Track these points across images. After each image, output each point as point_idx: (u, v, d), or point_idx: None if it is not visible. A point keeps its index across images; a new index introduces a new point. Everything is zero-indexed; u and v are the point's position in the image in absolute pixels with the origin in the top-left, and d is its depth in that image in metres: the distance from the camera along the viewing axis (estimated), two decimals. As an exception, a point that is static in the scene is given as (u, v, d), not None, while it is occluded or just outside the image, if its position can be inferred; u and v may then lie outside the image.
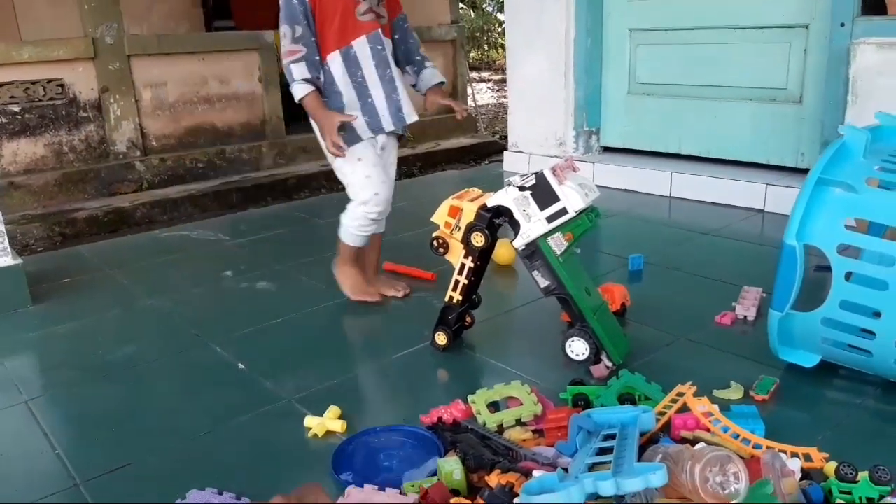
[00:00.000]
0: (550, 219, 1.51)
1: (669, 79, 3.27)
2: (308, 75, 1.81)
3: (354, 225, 1.95)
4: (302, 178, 6.13)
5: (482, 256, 1.63)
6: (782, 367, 1.56)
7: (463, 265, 1.63)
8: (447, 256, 1.67)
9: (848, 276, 1.39)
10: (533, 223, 1.51)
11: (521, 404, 1.41)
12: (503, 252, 2.19)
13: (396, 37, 1.95)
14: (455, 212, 1.61)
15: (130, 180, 5.63)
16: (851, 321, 1.40)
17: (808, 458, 1.21)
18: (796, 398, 1.47)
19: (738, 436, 1.25)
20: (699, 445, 1.17)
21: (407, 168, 6.88)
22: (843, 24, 2.59)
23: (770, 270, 1.49)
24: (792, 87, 2.88)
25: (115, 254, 2.74)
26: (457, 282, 1.65)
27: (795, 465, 1.16)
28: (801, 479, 1.14)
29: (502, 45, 10.81)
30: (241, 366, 1.71)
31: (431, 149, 7.14)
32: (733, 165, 3.10)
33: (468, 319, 1.77)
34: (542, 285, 1.56)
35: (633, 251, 2.28)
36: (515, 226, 1.53)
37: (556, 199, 1.50)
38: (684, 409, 1.33)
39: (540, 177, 1.51)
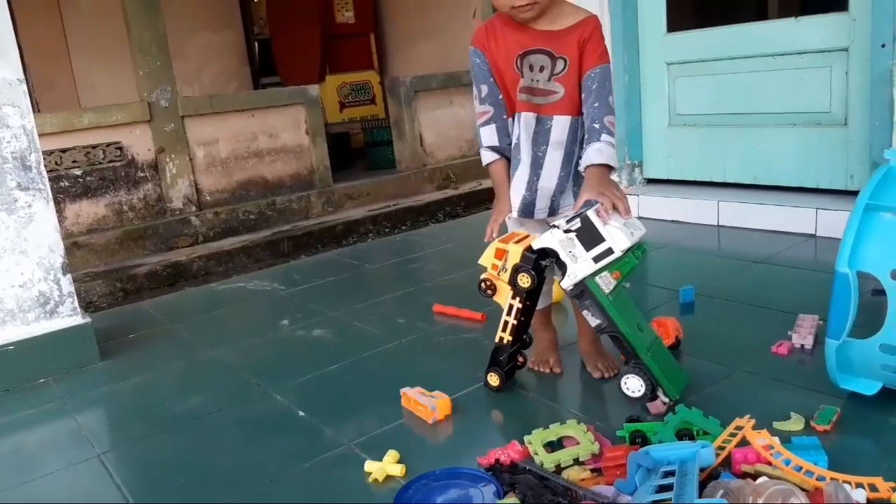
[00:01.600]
0: (597, 259, 1.52)
1: (709, 108, 3.28)
2: (496, 142, 1.70)
3: None
4: (350, 224, 6.28)
5: (530, 297, 1.66)
6: (843, 395, 1.53)
7: (511, 306, 1.66)
8: (495, 298, 1.69)
9: (904, 301, 1.37)
10: (580, 264, 1.53)
11: (578, 443, 1.42)
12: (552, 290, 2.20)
13: (582, 95, 1.66)
14: (501, 254, 1.64)
15: (187, 235, 5.84)
16: (911, 347, 1.37)
17: (873, 488, 1.18)
18: (859, 427, 1.44)
19: (800, 468, 1.23)
20: (761, 479, 1.16)
21: (451, 208, 6.97)
22: (883, 46, 2.57)
23: (825, 296, 1.48)
24: (836, 111, 2.86)
25: (175, 308, 2.84)
26: (506, 323, 1.68)
27: (860, 496, 1.14)
28: (868, 510, 1.12)
29: (540, 83, 10.89)
30: (301, 413, 1.75)
31: (475, 188, 7.24)
32: (781, 191, 3.07)
33: (520, 359, 1.79)
34: (594, 324, 1.57)
35: (683, 283, 2.27)
36: (562, 266, 1.55)
37: (601, 239, 1.51)
38: (744, 442, 1.32)
39: (584, 218, 1.53)
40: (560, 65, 1.64)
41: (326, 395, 1.85)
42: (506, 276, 1.63)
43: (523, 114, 1.68)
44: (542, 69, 1.64)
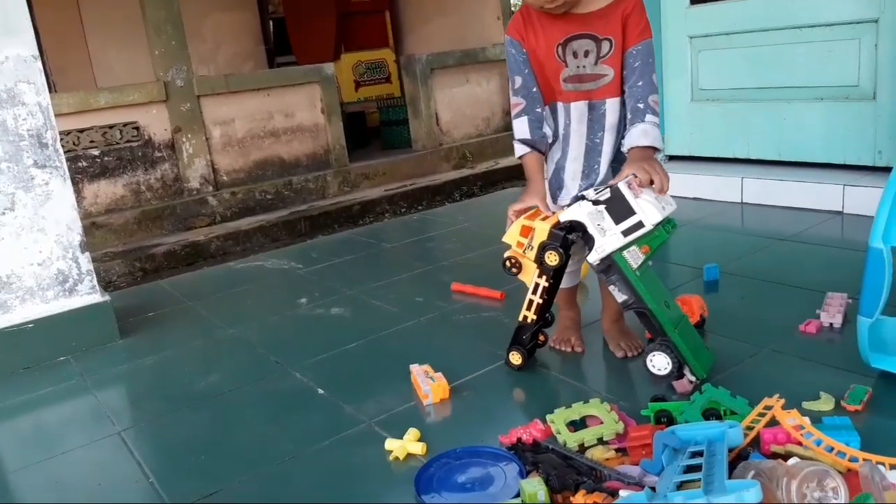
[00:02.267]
0: (626, 233, 1.48)
1: (733, 83, 3.20)
2: (527, 135, 1.62)
3: None
4: (366, 203, 6.25)
5: (556, 275, 1.62)
6: (874, 374, 1.49)
7: (537, 285, 1.62)
8: (520, 276, 1.66)
9: (941, 277, 1.33)
10: (608, 237, 1.48)
11: (602, 423, 1.39)
12: None
13: (624, 73, 1.58)
14: (527, 231, 1.59)
15: (204, 215, 5.85)
16: (949, 325, 1.33)
17: (910, 470, 1.15)
18: (891, 407, 1.40)
19: (832, 449, 1.20)
20: (792, 460, 1.13)
21: (467, 188, 6.92)
22: (916, 16, 2.49)
23: (854, 274, 1.44)
24: (864, 84, 2.78)
25: (194, 286, 2.84)
26: (531, 301, 1.65)
27: (896, 477, 1.10)
28: (905, 492, 1.09)
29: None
30: (320, 391, 1.74)
31: (491, 167, 7.18)
32: (807, 167, 3.00)
33: (541, 338, 1.76)
34: (620, 300, 1.53)
35: (707, 261, 2.23)
36: (589, 241, 1.50)
37: (631, 212, 1.47)
38: (773, 422, 1.29)
39: (615, 190, 1.48)
40: (606, 46, 1.56)
41: (345, 373, 1.83)
42: (532, 254, 1.59)
43: (573, 104, 1.61)
44: (587, 54, 1.57)
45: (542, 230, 1.56)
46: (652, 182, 1.49)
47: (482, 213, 3.70)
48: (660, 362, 1.51)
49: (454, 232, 3.22)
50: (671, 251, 2.55)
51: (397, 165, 6.99)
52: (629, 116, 1.59)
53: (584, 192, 1.54)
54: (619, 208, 1.47)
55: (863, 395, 1.41)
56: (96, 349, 2.20)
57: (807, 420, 1.27)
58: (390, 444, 1.43)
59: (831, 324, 1.78)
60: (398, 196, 6.46)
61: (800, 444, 1.23)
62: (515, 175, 7.05)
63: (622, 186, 1.48)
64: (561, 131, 1.65)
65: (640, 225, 1.47)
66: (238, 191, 6.04)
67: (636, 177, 1.49)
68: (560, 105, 1.64)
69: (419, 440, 1.44)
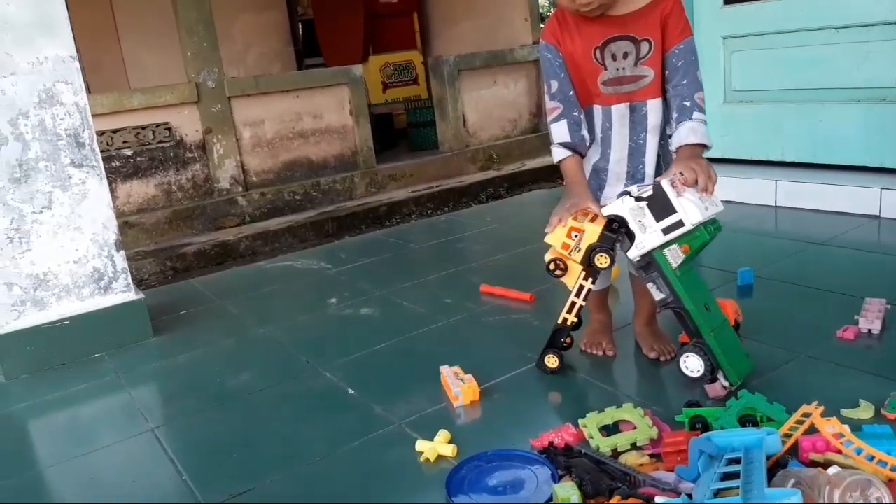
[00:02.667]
0: (666, 231, 1.46)
1: (767, 84, 3.15)
2: (567, 139, 1.60)
3: None
4: (393, 205, 6.27)
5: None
6: (916, 382, 1.46)
7: (581, 287, 1.61)
8: (564, 279, 1.64)
9: None
10: (648, 234, 1.47)
11: (635, 428, 1.38)
12: None
13: (668, 71, 1.56)
14: (573, 233, 1.56)
15: (234, 215, 5.91)
16: None
17: (955, 481, 1.12)
18: (935, 416, 1.36)
19: (873, 458, 1.17)
20: (833, 469, 1.10)
21: (494, 189, 6.91)
22: (959, 15, 2.43)
23: (893, 280, 1.41)
24: (904, 86, 2.72)
25: (225, 285, 2.87)
26: (573, 304, 1.63)
27: (942, 489, 1.08)
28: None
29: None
30: (350, 391, 1.75)
31: (518, 169, 7.16)
32: (843, 170, 2.95)
33: (568, 340, 1.75)
34: (658, 298, 1.52)
35: (741, 265, 2.20)
36: (630, 236, 1.49)
37: (672, 210, 1.45)
38: (812, 430, 1.26)
39: (657, 187, 1.47)
40: (645, 47, 1.54)
41: (376, 374, 1.84)
42: (578, 256, 1.56)
43: (613, 107, 1.59)
44: (626, 56, 1.55)
45: (592, 232, 1.53)
46: (697, 181, 1.47)
47: (510, 214, 3.69)
48: (693, 364, 1.49)
49: (482, 233, 3.21)
50: (704, 254, 2.51)
51: (424, 167, 7.00)
52: (675, 115, 1.56)
53: (629, 188, 1.52)
54: (660, 206, 1.46)
55: (904, 403, 1.38)
56: (130, 346, 2.23)
57: (846, 428, 1.24)
58: (421, 445, 1.43)
59: (870, 330, 1.74)
60: (425, 197, 6.47)
61: (839, 452, 1.20)
62: (542, 177, 7.02)
63: (665, 184, 1.46)
64: (599, 134, 1.63)
65: (680, 224, 1.45)
66: (267, 191, 6.10)
67: (682, 175, 1.47)
68: (598, 108, 1.62)
69: (450, 442, 1.44)
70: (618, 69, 1.56)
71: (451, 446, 1.41)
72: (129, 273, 2.27)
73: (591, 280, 1.59)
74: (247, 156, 6.06)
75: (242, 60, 8.47)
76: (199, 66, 5.72)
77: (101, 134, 5.30)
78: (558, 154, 1.63)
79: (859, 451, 1.19)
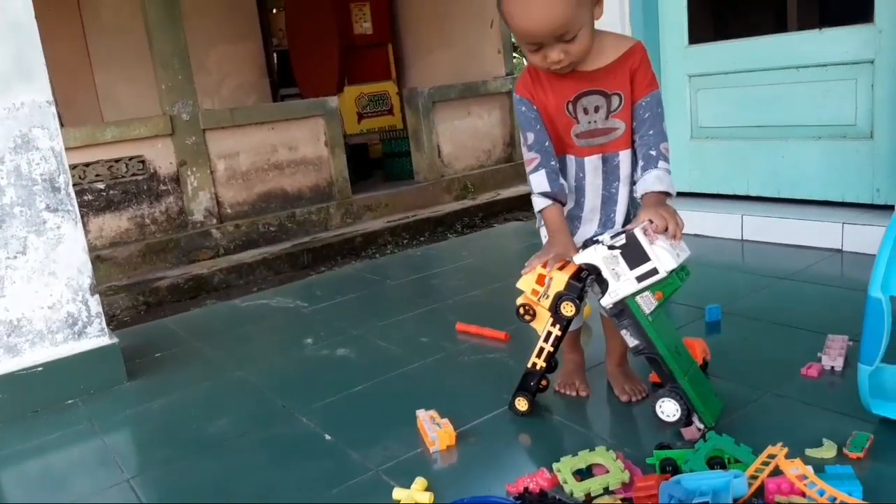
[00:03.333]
0: (640, 278, 1.49)
1: (732, 121, 3.25)
2: (547, 188, 1.63)
3: None
4: (368, 235, 6.30)
5: (566, 324, 1.64)
6: (876, 420, 1.51)
7: (549, 333, 1.64)
8: (533, 324, 1.67)
9: (939, 327, 1.35)
10: (622, 282, 1.50)
11: (608, 471, 1.41)
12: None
13: (634, 123, 1.61)
14: (543, 279, 1.60)
15: (208, 247, 5.89)
16: (947, 374, 1.35)
17: (913, 522, 1.17)
18: (893, 453, 1.41)
19: (835, 499, 1.22)
20: (796, 513, 1.14)
21: (469, 219, 6.97)
22: (911, 58, 2.54)
23: (854, 315, 1.46)
24: (861, 124, 2.83)
25: (200, 325, 2.86)
26: (542, 349, 1.66)
27: (900, 531, 1.12)
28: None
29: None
30: (327, 437, 1.76)
31: (492, 198, 7.24)
32: (806, 205, 3.04)
33: (544, 382, 1.78)
34: (632, 345, 1.54)
35: (707, 300, 2.25)
36: (603, 284, 1.52)
37: (646, 258, 1.48)
38: (777, 471, 1.31)
39: (630, 236, 1.49)
40: (615, 101, 1.59)
41: (352, 418, 1.85)
42: (546, 303, 1.60)
43: (587, 158, 1.63)
44: (597, 109, 1.59)
45: (559, 280, 1.57)
46: (667, 228, 1.51)
47: (485, 247, 3.73)
48: (669, 409, 1.52)
49: (457, 268, 3.25)
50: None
51: (400, 197, 7.05)
52: (641, 163, 1.61)
53: (600, 237, 1.55)
54: (634, 254, 1.49)
55: (864, 441, 1.43)
56: (104, 392, 2.21)
57: (810, 469, 1.28)
58: (398, 493, 1.44)
59: (832, 367, 1.80)
60: (400, 227, 6.51)
61: (803, 494, 1.24)
62: (516, 206, 7.10)
63: (638, 233, 1.49)
64: (573, 183, 1.68)
65: (654, 272, 1.48)
66: (242, 223, 6.09)
67: (651, 222, 1.51)
68: (572, 158, 1.66)
69: (426, 489, 1.45)
70: (590, 122, 1.61)
71: (428, 494, 1.43)
72: (103, 317, 2.26)
73: (558, 327, 1.63)
74: (221, 188, 6.06)
75: (217, 92, 8.49)
76: (173, 99, 5.74)
77: (73, 167, 5.27)
78: (539, 203, 1.66)
79: (822, 493, 1.23)
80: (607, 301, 1.52)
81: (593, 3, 1.51)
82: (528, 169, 1.67)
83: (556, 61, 1.50)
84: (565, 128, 1.62)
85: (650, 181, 1.59)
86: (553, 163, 1.64)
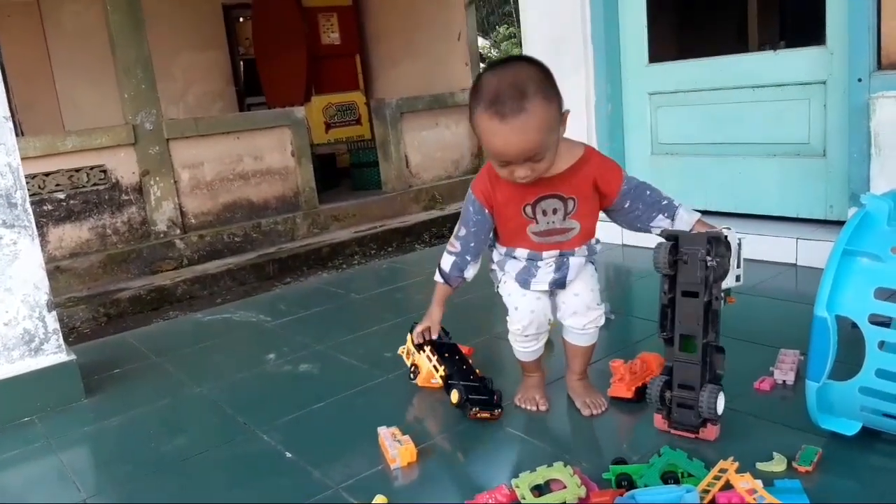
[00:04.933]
0: (737, 279, 1.61)
1: (691, 138, 3.33)
2: (447, 271, 1.82)
3: (513, 343, 1.85)
4: (336, 245, 6.29)
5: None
6: (824, 434, 1.56)
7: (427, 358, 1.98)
8: (419, 379, 2.01)
9: (881, 344, 1.40)
10: (730, 275, 1.59)
11: (565, 486, 1.43)
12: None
13: (626, 205, 1.72)
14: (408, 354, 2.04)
15: (171, 258, 5.82)
16: (888, 389, 1.40)
17: (855, 535, 1.21)
18: (840, 467, 1.46)
19: (783, 513, 1.25)
20: (744, 528, 1.18)
21: (437, 229, 7.00)
22: (860, 80, 2.63)
23: (806, 330, 1.50)
24: (814, 142, 2.92)
25: (160, 340, 2.83)
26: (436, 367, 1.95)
27: (842, 545, 1.16)
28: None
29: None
30: (288, 454, 1.75)
31: (460, 209, 7.26)
32: (762, 220, 3.12)
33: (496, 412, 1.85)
34: (710, 335, 1.61)
35: (665, 315, 2.29)
36: (724, 268, 1.57)
37: (739, 265, 1.62)
38: (728, 485, 1.34)
39: (739, 241, 1.61)
40: (571, 204, 1.68)
41: (314, 435, 1.85)
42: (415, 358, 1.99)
43: (544, 252, 1.72)
44: (555, 211, 1.68)
45: (419, 358, 1.98)
46: None
47: (450, 260, 3.74)
48: (721, 403, 1.59)
49: (422, 282, 3.25)
50: (634, 304, 2.62)
51: (367, 207, 7.05)
52: (658, 215, 1.73)
53: (724, 228, 1.61)
54: (738, 256, 1.60)
55: (813, 455, 1.47)
56: (62, 409, 2.18)
57: (759, 483, 1.32)
58: (358, 511, 1.45)
59: (784, 381, 1.85)
60: (368, 238, 6.51)
61: (753, 508, 1.28)
62: (484, 217, 7.14)
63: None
64: (526, 260, 1.75)
65: (738, 278, 1.61)
66: (206, 234, 6.03)
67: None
68: (524, 251, 1.74)
69: (386, 507, 1.46)
70: (549, 222, 1.70)
71: (388, 511, 1.44)
72: (60, 334, 2.23)
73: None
74: (185, 198, 6.00)
75: (182, 99, 8.41)
76: (136, 108, 5.67)
77: (32, 177, 5.18)
78: (436, 276, 1.86)
79: (770, 507, 1.27)
80: (728, 283, 1.60)
81: (560, 124, 1.59)
82: (446, 248, 1.82)
83: (523, 177, 1.57)
84: (521, 226, 1.71)
85: (685, 215, 1.72)
86: (468, 258, 1.79)
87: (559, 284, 1.75)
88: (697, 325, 1.58)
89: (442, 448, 1.70)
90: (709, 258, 1.54)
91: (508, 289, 1.80)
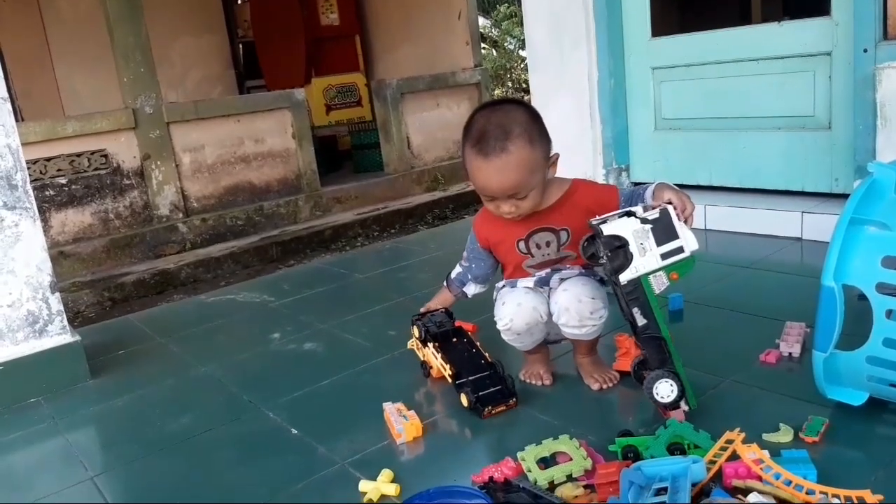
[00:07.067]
0: (665, 256, 1.49)
1: (695, 113, 3.30)
2: (451, 278, 1.98)
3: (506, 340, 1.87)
4: (338, 228, 6.28)
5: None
6: (831, 405, 1.55)
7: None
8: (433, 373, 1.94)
9: (889, 313, 1.39)
10: (647, 258, 1.48)
11: (571, 459, 1.43)
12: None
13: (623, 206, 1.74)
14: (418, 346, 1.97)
15: (174, 242, 5.81)
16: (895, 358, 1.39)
17: (861, 501, 1.20)
18: (847, 438, 1.46)
19: (790, 482, 1.25)
20: (752, 496, 1.17)
21: (440, 210, 6.98)
22: (865, 50, 2.59)
23: (812, 302, 1.49)
24: (820, 115, 2.89)
25: (165, 321, 2.83)
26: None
27: (850, 512, 1.15)
28: (858, 526, 1.14)
29: (526, 82, 10.89)
30: (293, 431, 1.76)
31: (463, 189, 7.25)
32: (767, 194, 3.10)
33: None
34: (640, 324, 1.53)
35: (671, 289, 2.28)
36: (622, 258, 1.49)
37: (675, 236, 1.48)
38: (735, 456, 1.34)
39: (664, 211, 1.49)
40: (564, 235, 1.72)
41: (319, 412, 1.85)
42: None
43: (544, 271, 1.76)
44: (548, 244, 1.73)
45: (425, 352, 1.91)
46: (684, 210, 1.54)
47: (454, 240, 3.72)
48: (665, 390, 1.52)
49: (426, 261, 3.25)
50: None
51: (369, 189, 7.03)
52: (638, 202, 1.67)
53: (633, 209, 1.53)
54: (663, 230, 1.48)
55: (820, 426, 1.47)
56: (67, 390, 2.18)
57: (766, 454, 1.32)
58: (364, 485, 1.45)
59: (790, 353, 1.84)
60: (370, 220, 6.49)
61: (760, 478, 1.28)
62: (486, 197, 7.12)
63: (671, 209, 1.49)
64: (534, 284, 1.78)
65: (679, 250, 1.49)
66: (208, 217, 6.02)
67: (670, 203, 1.52)
68: (521, 281, 1.78)
69: (392, 481, 1.46)
70: (543, 255, 1.75)
71: (394, 485, 1.44)
72: (64, 315, 2.23)
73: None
74: (187, 182, 5.98)
75: (182, 84, 8.36)
76: (136, 92, 5.64)
77: (33, 163, 5.16)
78: (445, 280, 2.01)
79: (778, 476, 1.26)
80: (627, 276, 1.49)
81: (547, 166, 1.65)
82: (460, 261, 1.97)
83: (507, 212, 1.65)
84: (517, 261, 1.77)
85: (649, 190, 1.66)
86: (469, 276, 1.94)
87: (544, 282, 1.75)
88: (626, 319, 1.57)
89: (447, 423, 1.70)
90: (599, 254, 1.52)
91: (498, 293, 1.83)
